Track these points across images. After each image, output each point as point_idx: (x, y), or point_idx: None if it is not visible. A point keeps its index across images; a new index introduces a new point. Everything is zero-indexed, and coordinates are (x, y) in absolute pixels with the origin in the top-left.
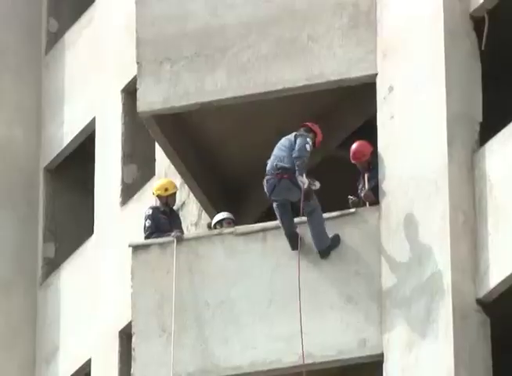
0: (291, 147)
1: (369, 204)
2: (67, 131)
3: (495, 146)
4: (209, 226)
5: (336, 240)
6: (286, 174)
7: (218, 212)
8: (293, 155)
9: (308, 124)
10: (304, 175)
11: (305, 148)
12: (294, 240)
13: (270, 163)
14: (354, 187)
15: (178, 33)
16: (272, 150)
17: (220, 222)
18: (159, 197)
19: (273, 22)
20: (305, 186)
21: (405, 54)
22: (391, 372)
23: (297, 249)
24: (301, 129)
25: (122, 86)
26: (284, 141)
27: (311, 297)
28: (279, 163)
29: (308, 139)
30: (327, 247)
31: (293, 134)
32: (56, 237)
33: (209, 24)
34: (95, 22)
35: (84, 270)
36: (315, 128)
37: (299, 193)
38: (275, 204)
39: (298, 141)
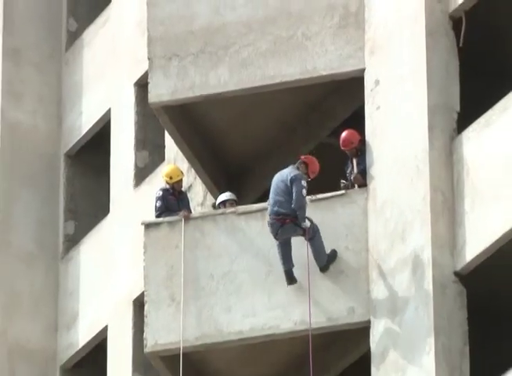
0: (288, 192)
1: (358, 186)
2: (85, 121)
3: (471, 134)
4: (213, 206)
5: (333, 255)
6: (287, 218)
7: (222, 193)
8: (293, 206)
9: (302, 157)
10: (306, 219)
11: (302, 195)
12: (291, 276)
13: (270, 207)
14: (344, 171)
15: (185, 32)
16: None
17: (223, 203)
18: (166, 182)
19: (271, 22)
20: (308, 226)
21: (390, 51)
22: (376, 337)
23: (293, 284)
24: (297, 163)
25: (135, 80)
26: (280, 184)
27: (305, 270)
28: (279, 209)
29: (302, 183)
30: (326, 263)
31: (289, 177)
32: (76, 216)
33: (213, 24)
34: (111, 22)
35: (101, 246)
36: (309, 159)
37: (302, 230)
38: (277, 242)
39: (294, 188)
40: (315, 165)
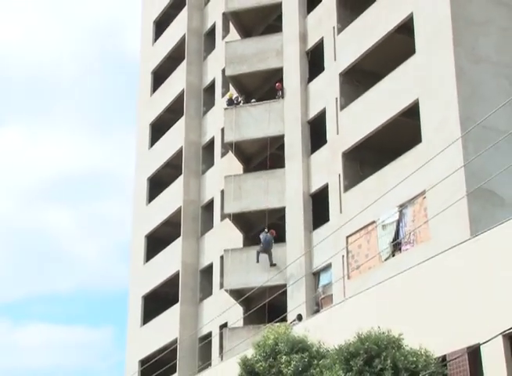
0: (268, 244)
1: (281, 98)
2: (210, 77)
3: (313, 83)
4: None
5: (275, 263)
6: (266, 251)
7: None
8: (270, 248)
9: (271, 231)
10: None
11: (272, 246)
12: (258, 258)
13: (262, 247)
14: (276, 95)
15: (236, 56)
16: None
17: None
18: (229, 96)
19: (264, 52)
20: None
21: (290, 60)
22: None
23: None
24: (268, 231)
25: (221, 68)
26: (265, 236)
27: None
28: (263, 248)
29: (272, 241)
30: (273, 264)
31: (270, 240)
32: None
33: (244, 53)
34: (216, 51)
35: None
36: (272, 232)
37: (270, 252)
38: (261, 252)
39: (270, 246)
40: (273, 233)
